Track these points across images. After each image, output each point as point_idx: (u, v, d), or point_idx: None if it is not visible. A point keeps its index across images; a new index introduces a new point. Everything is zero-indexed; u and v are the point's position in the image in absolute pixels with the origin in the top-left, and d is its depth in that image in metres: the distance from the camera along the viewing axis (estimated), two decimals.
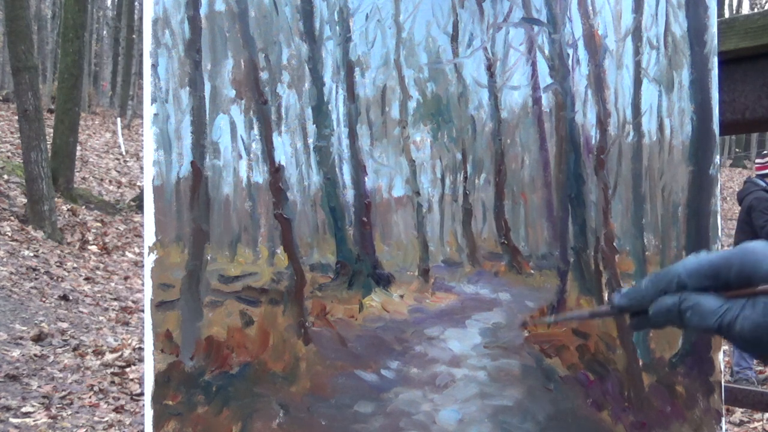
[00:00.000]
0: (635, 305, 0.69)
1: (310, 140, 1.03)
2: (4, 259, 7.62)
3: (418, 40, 1.07)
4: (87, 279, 8.12)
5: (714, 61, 1.17)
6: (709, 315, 0.63)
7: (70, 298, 7.15)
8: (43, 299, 6.88)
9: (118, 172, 15.26)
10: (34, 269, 7.72)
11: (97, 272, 8.56)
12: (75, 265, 8.46)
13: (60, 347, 5.65)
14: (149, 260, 0.96)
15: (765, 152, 6.07)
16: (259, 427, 0.98)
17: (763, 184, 5.66)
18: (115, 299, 7.64)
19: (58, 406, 4.44)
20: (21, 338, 5.65)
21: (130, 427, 4.25)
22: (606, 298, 1.12)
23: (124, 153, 17.00)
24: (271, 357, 0.99)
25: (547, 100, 1.11)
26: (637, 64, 1.15)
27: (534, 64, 1.11)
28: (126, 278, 8.57)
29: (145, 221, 0.97)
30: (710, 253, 0.65)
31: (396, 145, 1.06)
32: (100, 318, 6.84)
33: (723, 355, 1.17)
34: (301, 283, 1.01)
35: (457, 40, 1.08)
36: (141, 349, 5.67)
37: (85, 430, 4.13)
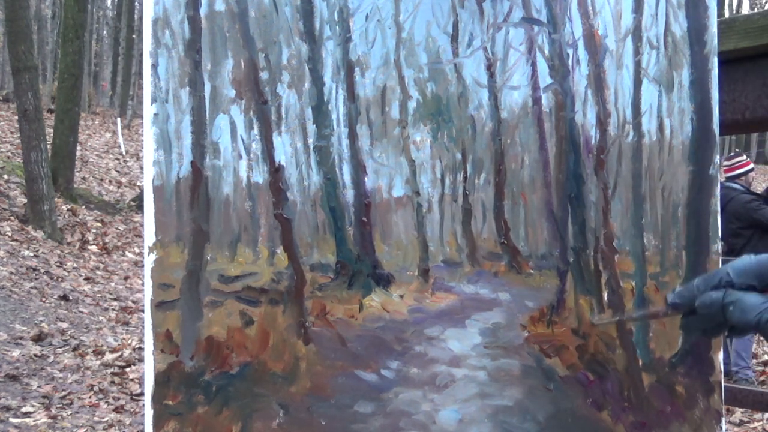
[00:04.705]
0: (687, 303, 0.72)
1: (310, 140, 1.03)
2: (4, 259, 7.62)
3: (418, 40, 1.07)
4: (87, 279, 8.12)
5: (714, 61, 1.17)
6: (750, 310, 0.66)
7: (70, 298, 7.15)
8: (43, 299, 6.88)
9: (118, 172, 15.27)
10: (34, 269, 7.72)
11: (97, 272, 8.56)
12: (75, 265, 8.46)
13: (60, 347, 5.65)
14: (149, 260, 0.96)
15: (731, 154, 6.08)
16: (259, 427, 0.98)
17: (740, 187, 5.66)
18: (115, 299, 7.64)
19: (58, 406, 4.44)
20: (21, 338, 5.65)
21: (130, 427, 4.25)
22: (605, 298, 1.12)
23: (124, 153, 17.00)
24: (271, 357, 0.99)
25: (547, 100, 1.11)
26: (637, 64, 1.15)
27: (534, 64, 1.11)
28: (126, 278, 8.57)
29: (145, 221, 0.97)
30: (759, 255, 0.69)
31: (396, 145, 1.06)
32: (100, 318, 6.84)
33: (724, 355, 1.17)
34: (301, 283, 1.01)
35: (457, 40, 1.08)
36: (141, 349, 5.67)
37: (85, 430, 4.13)
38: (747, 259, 0.69)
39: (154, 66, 0.97)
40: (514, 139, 1.10)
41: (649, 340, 1.13)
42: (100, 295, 7.66)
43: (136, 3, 23.78)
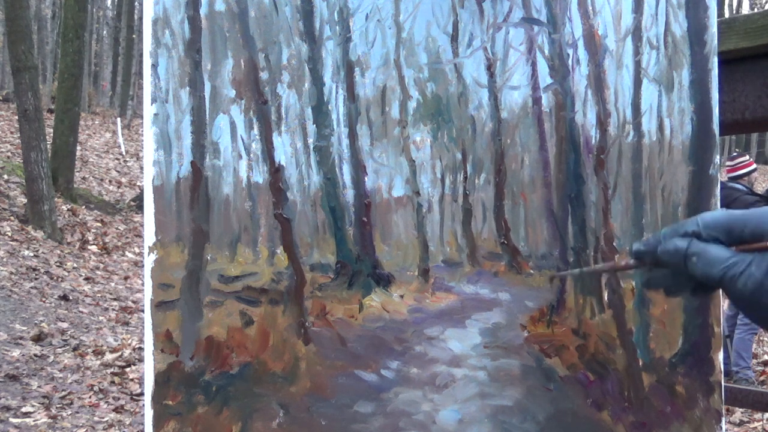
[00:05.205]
0: (651, 251, 0.67)
1: (310, 140, 1.03)
2: (4, 259, 7.62)
3: (418, 40, 1.07)
4: (87, 279, 8.12)
5: (714, 61, 1.17)
6: (715, 264, 0.62)
7: (70, 298, 7.15)
8: (43, 299, 6.88)
9: (118, 172, 15.27)
10: (34, 269, 7.72)
11: (97, 272, 8.56)
12: (75, 265, 8.46)
13: (60, 347, 5.65)
14: (149, 260, 0.96)
15: (734, 154, 6.07)
16: (259, 427, 0.98)
17: (743, 188, 5.65)
18: (115, 299, 7.65)
19: (58, 406, 4.44)
20: (21, 338, 5.65)
21: (130, 427, 4.25)
22: (606, 298, 1.12)
23: (124, 153, 17.00)
24: (271, 357, 0.99)
25: (547, 100, 1.11)
26: (637, 64, 1.15)
27: (534, 64, 1.11)
28: (126, 278, 8.57)
29: (145, 221, 0.97)
30: (731, 210, 0.64)
31: (396, 145, 1.06)
32: (100, 318, 6.84)
33: (724, 355, 1.17)
34: (301, 283, 1.01)
35: (457, 40, 1.08)
36: (141, 349, 5.67)
37: (85, 430, 4.13)
38: (718, 212, 0.64)
39: (154, 66, 0.97)
40: (514, 139, 1.10)
41: (649, 340, 1.13)
42: (100, 295, 7.66)
43: (136, 3, 23.79)
